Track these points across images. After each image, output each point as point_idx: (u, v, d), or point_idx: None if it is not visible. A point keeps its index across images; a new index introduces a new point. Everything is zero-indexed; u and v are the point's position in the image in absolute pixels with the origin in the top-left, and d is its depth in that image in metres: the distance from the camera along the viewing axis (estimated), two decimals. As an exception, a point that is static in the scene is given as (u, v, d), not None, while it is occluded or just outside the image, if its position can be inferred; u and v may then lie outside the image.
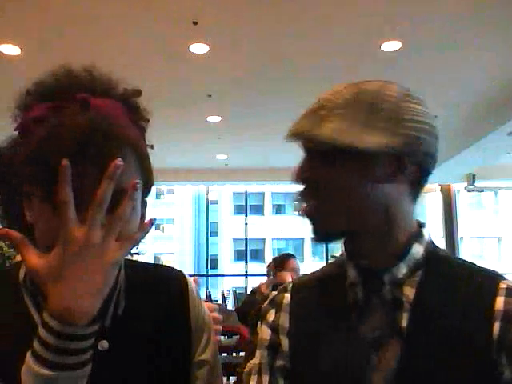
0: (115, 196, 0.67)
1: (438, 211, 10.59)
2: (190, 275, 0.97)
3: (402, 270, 0.82)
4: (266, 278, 4.42)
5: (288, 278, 3.80)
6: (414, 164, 0.84)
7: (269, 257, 24.04)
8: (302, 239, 25.41)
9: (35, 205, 0.73)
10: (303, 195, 0.87)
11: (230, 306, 9.83)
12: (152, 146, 0.87)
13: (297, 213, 0.88)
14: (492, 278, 0.82)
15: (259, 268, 16.63)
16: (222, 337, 5.16)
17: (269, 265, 4.38)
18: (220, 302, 9.71)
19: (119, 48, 4.51)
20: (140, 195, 0.78)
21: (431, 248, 0.86)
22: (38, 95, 0.78)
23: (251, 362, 0.93)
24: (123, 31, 4.23)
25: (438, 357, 0.76)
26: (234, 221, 25.13)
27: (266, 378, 0.89)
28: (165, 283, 0.90)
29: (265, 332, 0.93)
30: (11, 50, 4.43)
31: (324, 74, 4.76)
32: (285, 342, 0.90)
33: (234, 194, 25.47)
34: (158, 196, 25.40)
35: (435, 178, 9.38)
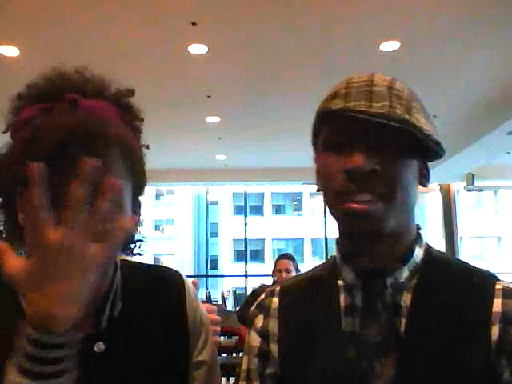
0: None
1: (437, 211, 10.59)
2: (190, 276, 0.97)
3: (405, 273, 0.81)
4: (265, 279, 4.43)
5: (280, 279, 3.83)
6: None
7: (268, 257, 24.08)
8: (302, 239, 25.43)
9: (23, 206, 0.72)
10: (362, 189, 0.76)
11: (230, 306, 9.82)
12: (148, 146, 0.86)
13: (342, 209, 0.78)
14: (487, 279, 0.80)
15: (259, 268, 16.65)
16: (222, 337, 5.15)
17: None
18: (220, 302, 9.70)
19: (118, 49, 4.50)
20: (130, 196, 0.77)
21: (428, 250, 0.85)
22: (30, 98, 0.78)
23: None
24: (122, 32, 4.23)
25: (436, 363, 0.74)
26: (233, 221, 25.14)
27: None
28: (162, 284, 0.90)
29: (253, 339, 0.90)
30: (10, 51, 4.43)
31: (323, 74, 4.76)
32: (274, 349, 0.87)
33: (233, 194, 25.48)
34: (157, 197, 25.41)
35: (435, 178, 9.37)
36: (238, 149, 8.24)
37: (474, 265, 0.86)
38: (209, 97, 5.75)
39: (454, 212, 10.20)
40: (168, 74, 5.15)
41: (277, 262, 4.24)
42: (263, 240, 25.24)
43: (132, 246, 0.85)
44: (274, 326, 0.89)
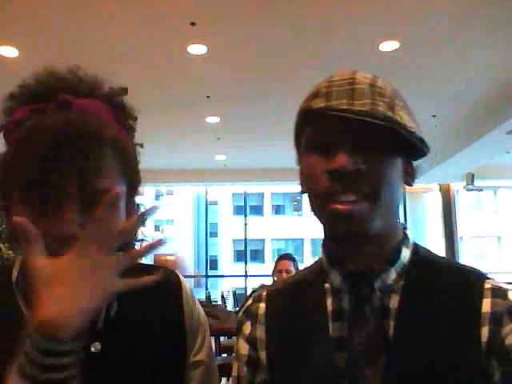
0: (94, 197, 0.67)
1: (437, 211, 10.59)
2: (190, 276, 0.96)
3: (392, 275, 0.79)
4: (265, 279, 4.42)
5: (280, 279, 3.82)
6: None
7: (268, 257, 24.08)
8: (302, 239, 25.42)
9: (18, 208, 0.73)
10: (347, 189, 0.75)
11: (230, 306, 9.81)
12: (142, 145, 0.86)
13: (326, 210, 0.76)
14: (476, 278, 0.78)
15: (259, 268, 16.64)
16: (222, 337, 5.15)
17: None
18: (220, 302, 9.69)
19: (118, 49, 4.50)
20: (124, 196, 0.77)
21: (415, 250, 0.83)
22: (22, 98, 0.77)
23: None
24: (122, 32, 4.22)
25: (426, 366, 0.73)
26: (233, 221, 25.13)
27: None
28: (158, 284, 0.89)
29: (242, 347, 0.88)
30: (9, 51, 4.43)
31: (323, 74, 4.73)
32: (263, 355, 0.85)
33: (233, 194, 25.48)
34: (157, 197, 25.41)
35: (434, 178, 9.38)
36: (237, 149, 8.24)
37: (462, 263, 0.85)
38: (208, 97, 5.75)
39: (453, 212, 10.20)
40: (167, 74, 5.15)
41: (277, 262, 4.23)
42: (263, 240, 25.23)
43: (133, 246, 0.84)
44: (261, 332, 0.87)
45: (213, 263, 23.84)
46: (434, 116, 6.48)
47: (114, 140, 0.74)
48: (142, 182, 0.84)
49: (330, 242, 0.84)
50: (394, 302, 0.78)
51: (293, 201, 26.67)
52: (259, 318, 0.88)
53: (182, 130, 7.08)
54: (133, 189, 0.81)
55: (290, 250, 20.68)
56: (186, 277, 0.97)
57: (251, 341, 0.88)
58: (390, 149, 0.77)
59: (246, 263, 13.90)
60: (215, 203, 25.31)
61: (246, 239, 14.26)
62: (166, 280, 0.90)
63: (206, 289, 11.03)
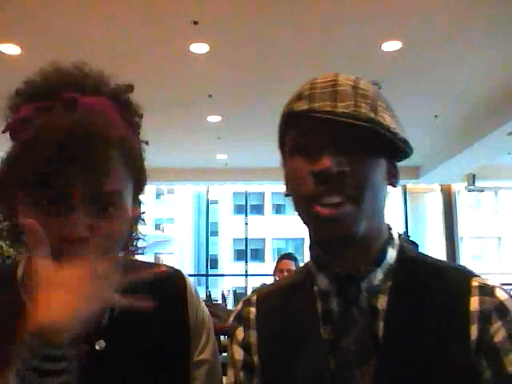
0: (103, 198, 0.67)
1: (438, 211, 10.59)
2: (190, 275, 0.96)
3: (379, 276, 0.79)
4: (266, 278, 4.42)
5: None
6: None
7: (269, 257, 24.07)
8: (303, 239, 25.38)
9: (24, 209, 0.72)
10: (331, 191, 0.74)
11: (230, 305, 9.81)
12: (147, 142, 0.86)
13: (312, 213, 0.76)
14: (463, 276, 0.78)
15: (259, 268, 16.63)
16: (222, 337, 5.15)
17: None
18: (220, 301, 9.69)
19: (119, 48, 4.50)
20: (131, 195, 0.77)
21: (401, 250, 0.83)
22: (28, 95, 0.77)
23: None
24: (123, 31, 4.23)
25: (415, 366, 0.73)
26: (234, 220, 25.11)
27: None
28: (163, 282, 0.89)
29: (237, 352, 0.88)
30: (11, 49, 4.43)
31: (323, 74, 4.75)
32: (256, 359, 0.86)
33: (234, 193, 25.44)
34: (158, 196, 25.40)
35: (435, 178, 9.38)
36: (238, 148, 8.24)
37: (449, 262, 0.85)
38: (210, 96, 5.75)
39: (454, 212, 10.20)
40: (169, 74, 5.15)
41: (278, 261, 4.22)
42: (263, 239, 25.21)
43: (133, 245, 0.85)
44: (254, 336, 0.87)
45: (213, 262, 23.83)
46: (435, 116, 6.47)
47: (121, 140, 0.73)
48: (144, 180, 0.84)
49: (316, 246, 0.84)
50: (382, 302, 0.78)
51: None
52: (251, 323, 0.88)
53: (183, 128, 7.08)
54: (138, 188, 0.81)
55: (291, 250, 20.65)
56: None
57: (245, 345, 0.87)
58: (374, 150, 0.77)
59: (246, 262, 13.89)
60: (216, 202, 25.29)
61: (246, 238, 14.24)
62: (171, 279, 0.91)
63: (207, 288, 11.03)
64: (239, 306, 0.93)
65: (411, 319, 0.76)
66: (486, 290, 0.76)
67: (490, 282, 0.78)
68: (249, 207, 16.15)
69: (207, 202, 14.84)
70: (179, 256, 24.66)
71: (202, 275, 16.89)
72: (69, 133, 0.68)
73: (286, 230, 25.43)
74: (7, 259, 3.54)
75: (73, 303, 0.59)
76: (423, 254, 0.87)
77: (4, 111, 0.78)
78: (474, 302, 0.74)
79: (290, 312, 0.86)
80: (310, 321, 0.82)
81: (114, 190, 0.70)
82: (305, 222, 0.82)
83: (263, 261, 24.28)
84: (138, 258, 0.88)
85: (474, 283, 0.77)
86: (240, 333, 0.89)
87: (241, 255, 22.33)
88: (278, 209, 26.78)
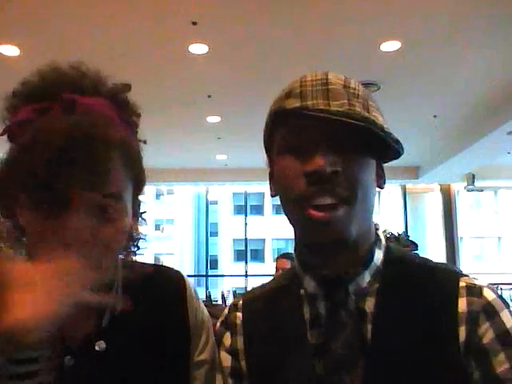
0: (103, 200, 0.67)
1: (437, 211, 10.59)
2: (190, 276, 0.96)
3: (366, 278, 0.78)
4: (266, 279, 4.43)
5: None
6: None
7: (269, 257, 24.07)
8: (302, 239, 25.38)
9: (23, 210, 0.72)
10: (324, 192, 0.72)
11: (230, 306, 9.81)
12: (145, 142, 0.85)
13: (303, 215, 0.73)
14: (451, 276, 0.78)
15: (259, 268, 16.64)
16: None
17: None
18: (220, 302, 9.68)
19: (119, 48, 4.50)
20: (131, 196, 0.77)
21: (388, 251, 0.82)
22: (25, 96, 0.76)
23: None
24: (122, 32, 4.22)
25: (404, 368, 0.72)
26: (233, 221, 25.10)
27: None
28: (163, 283, 0.89)
29: (225, 358, 0.87)
30: (10, 50, 4.43)
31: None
32: (243, 364, 0.85)
33: (233, 194, 25.43)
34: (157, 196, 25.39)
35: (435, 178, 9.38)
36: (238, 148, 8.24)
37: (436, 261, 0.84)
38: (209, 96, 5.75)
39: (454, 212, 10.20)
40: (168, 74, 5.15)
41: (276, 260, 4.24)
42: (263, 240, 25.20)
43: (133, 246, 0.85)
44: (240, 342, 0.86)
45: (213, 263, 23.83)
46: (434, 116, 6.47)
47: (120, 141, 0.73)
48: (143, 181, 0.84)
49: (304, 248, 0.83)
50: (369, 304, 0.77)
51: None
52: (238, 328, 0.87)
53: (182, 129, 7.08)
54: (138, 188, 0.81)
55: (291, 250, 20.64)
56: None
57: (232, 351, 0.87)
58: (366, 150, 0.76)
59: (246, 263, 13.89)
60: (216, 203, 25.28)
61: (246, 239, 14.24)
62: (171, 280, 0.91)
63: (207, 288, 11.03)
64: (226, 311, 0.92)
65: (399, 321, 0.75)
66: (474, 291, 0.75)
67: (478, 282, 0.77)
68: (248, 207, 16.16)
69: (207, 202, 14.86)
70: (179, 256, 24.66)
71: (202, 276, 16.89)
72: (68, 135, 0.67)
73: (286, 231, 25.33)
74: (7, 260, 3.53)
75: (41, 302, 0.57)
76: (410, 254, 0.86)
77: (2, 113, 0.78)
78: (462, 303, 0.74)
79: (276, 316, 0.84)
80: (296, 325, 0.80)
81: (114, 191, 0.70)
82: (292, 224, 0.80)
83: (263, 261, 24.27)
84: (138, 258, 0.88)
85: (462, 283, 0.76)
86: (227, 339, 0.88)
87: (241, 256, 22.33)
88: (278, 209, 26.70)
